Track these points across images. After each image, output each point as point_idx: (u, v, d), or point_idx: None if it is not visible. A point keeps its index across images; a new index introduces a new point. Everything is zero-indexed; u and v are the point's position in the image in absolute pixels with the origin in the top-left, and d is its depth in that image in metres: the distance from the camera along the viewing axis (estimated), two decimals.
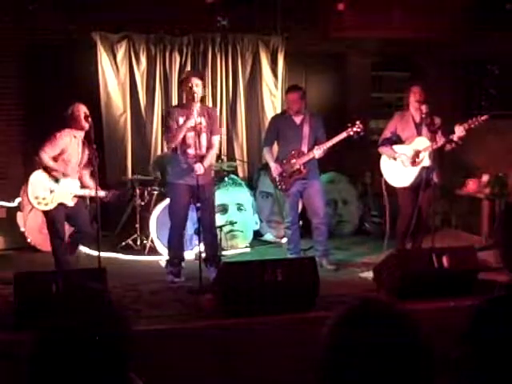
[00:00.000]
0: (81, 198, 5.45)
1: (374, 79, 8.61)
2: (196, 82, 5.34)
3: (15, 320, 4.05)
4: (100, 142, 6.81)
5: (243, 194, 7.13)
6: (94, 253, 5.81)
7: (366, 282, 5.25)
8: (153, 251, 6.55)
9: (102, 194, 5.32)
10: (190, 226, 6.05)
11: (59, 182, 5.26)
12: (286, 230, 6.25)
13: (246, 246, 6.99)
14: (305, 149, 5.91)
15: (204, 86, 5.65)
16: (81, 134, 5.33)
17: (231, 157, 7.79)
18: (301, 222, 6.40)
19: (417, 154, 5.65)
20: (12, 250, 6.81)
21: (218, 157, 7.72)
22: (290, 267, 4.61)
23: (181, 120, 5.37)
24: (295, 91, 6.00)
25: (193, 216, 5.66)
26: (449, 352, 1.52)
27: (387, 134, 5.87)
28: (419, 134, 5.68)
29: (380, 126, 7.94)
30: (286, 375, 3.87)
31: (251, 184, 7.56)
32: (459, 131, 5.44)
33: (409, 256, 5.13)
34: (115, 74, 7.46)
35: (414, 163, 5.67)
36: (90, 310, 1.50)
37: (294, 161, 5.92)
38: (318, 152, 5.83)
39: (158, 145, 7.56)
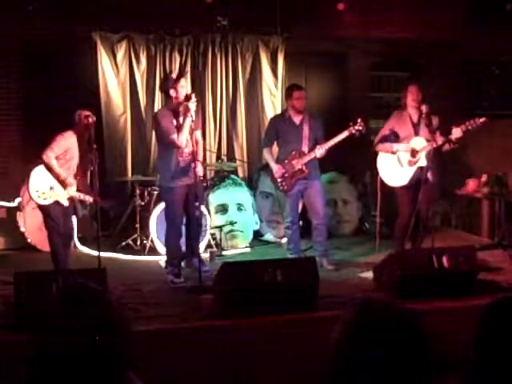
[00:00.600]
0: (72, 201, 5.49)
1: (374, 79, 8.61)
2: (183, 84, 5.47)
3: (15, 320, 4.04)
4: (100, 141, 6.81)
5: (243, 194, 7.13)
6: (94, 253, 5.82)
7: (366, 282, 5.25)
8: (153, 251, 6.55)
9: (90, 199, 5.44)
10: None
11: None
12: (286, 230, 6.25)
13: (246, 246, 6.99)
14: (305, 149, 5.91)
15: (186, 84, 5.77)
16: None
17: (231, 157, 7.79)
18: (301, 222, 6.40)
19: (413, 153, 5.65)
20: (12, 250, 6.81)
21: (218, 157, 7.74)
22: (290, 267, 4.61)
23: (174, 121, 5.42)
24: (301, 89, 6.02)
25: None
26: (451, 352, 1.53)
27: (384, 132, 5.86)
28: (416, 133, 5.66)
29: (380, 126, 7.93)
30: (286, 375, 3.87)
31: (251, 184, 7.56)
32: (456, 133, 5.43)
33: (409, 256, 5.13)
34: (115, 74, 7.46)
35: (410, 163, 5.66)
36: (89, 311, 1.50)
37: (295, 161, 5.92)
38: (319, 151, 5.83)
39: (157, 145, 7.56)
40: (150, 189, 6.94)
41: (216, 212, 6.95)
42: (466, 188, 7.56)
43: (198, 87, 7.52)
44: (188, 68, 7.56)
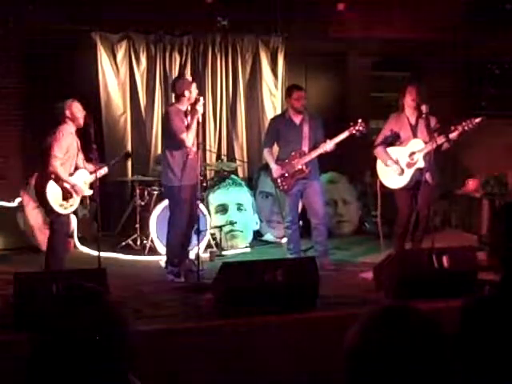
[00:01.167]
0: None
1: (374, 79, 8.61)
2: (195, 86, 5.58)
3: (15, 320, 4.04)
4: (100, 141, 6.81)
5: (243, 194, 7.13)
6: (94, 253, 5.82)
7: (366, 282, 5.25)
8: (153, 251, 6.55)
9: (104, 171, 5.54)
10: None
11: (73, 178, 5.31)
12: (286, 230, 6.26)
13: (246, 246, 6.99)
14: (305, 149, 5.92)
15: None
16: (72, 130, 5.35)
17: (231, 157, 7.79)
18: (301, 222, 6.40)
19: (411, 155, 5.65)
20: (12, 250, 6.81)
21: (218, 157, 7.74)
22: (290, 267, 4.61)
23: (185, 121, 5.49)
24: (301, 89, 6.04)
25: None
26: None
27: (383, 136, 5.86)
28: (415, 135, 5.68)
29: (380, 126, 7.92)
30: (286, 375, 3.87)
31: (251, 184, 7.56)
32: (453, 134, 5.45)
33: (408, 256, 5.13)
34: (115, 73, 7.46)
35: (409, 165, 5.68)
36: (89, 311, 1.50)
37: (295, 161, 5.92)
38: (329, 145, 5.81)
39: (158, 145, 7.55)
40: (149, 189, 6.94)
41: (216, 212, 6.95)
42: (466, 188, 7.55)
43: (197, 87, 7.51)
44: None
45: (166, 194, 5.91)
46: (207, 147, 7.54)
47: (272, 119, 6.47)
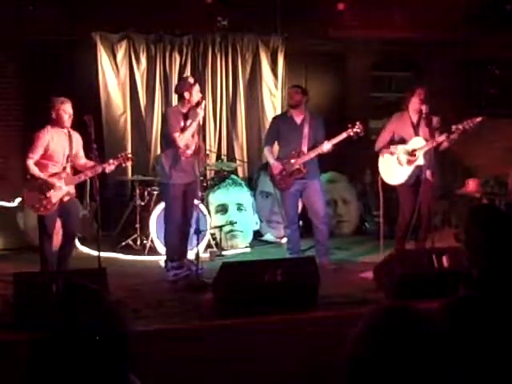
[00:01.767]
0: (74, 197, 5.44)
1: (374, 79, 8.61)
2: (197, 89, 5.55)
3: (15, 320, 4.04)
4: (100, 141, 6.81)
5: (243, 194, 7.13)
6: (94, 253, 5.82)
7: (366, 282, 5.25)
8: (153, 251, 6.55)
9: (100, 168, 5.31)
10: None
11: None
12: (286, 230, 6.28)
13: (246, 246, 6.99)
14: (305, 149, 5.92)
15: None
16: (65, 131, 5.31)
17: (231, 157, 7.79)
18: (301, 222, 6.40)
19: (412, 152, 5.70)
20: (12, 250, 6.80)
21: (218, 157, 7.74)
22: (290, 267, 4.61)
23: (182, 122, 5.50)
24: (296, 87, 6.13)
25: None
26: None
27: (385, 135, 5.89)
28: (416, 133, 5.73)
29: (380, 126, 7.92)
30: (286, 375, 3.87)
31: (251, 184, 7.56)
32: (453, 133, 5.49)
33: (408, 256, 5.13)
34: (115, 73, 7.46)
35: (409, 162, 5.71)
36: (89, 311, 1.50)
37: (293, 160, 5.93)
38: (326, 146, 5.82)
39: (157, 145, 7.55)
40: (150, 189, 6.94)
41: (216, 212, 6.95)
42: (465, 188, 7.55)
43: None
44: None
45: (159, 190, 6.26)
46: (207, 147, 7.54)
47: (273, 118, 6.52)
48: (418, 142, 5.68)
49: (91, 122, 5.23)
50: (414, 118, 5.76)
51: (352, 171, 7.93)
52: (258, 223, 7.32)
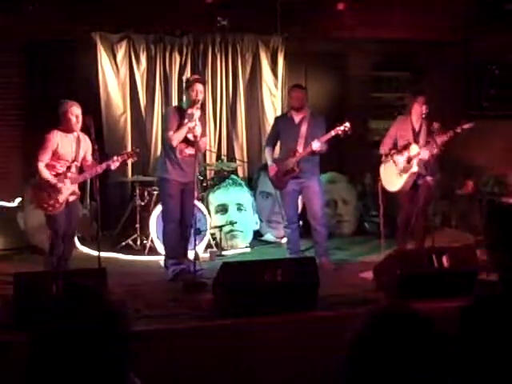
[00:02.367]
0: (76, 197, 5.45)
1: (374, 79, 8.61)
2: (200, 89, 5.51)
3: (15, 320, 4.04)
4: (100, 141, 6.80)
5: (243, 194, 7.13)
6: (94, 253, 5.82)
7: (366, 282, 5.25)
8: (153, 251, 6.55)
9: (105, 165, 5.33)
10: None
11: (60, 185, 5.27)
12: (285, 229, 6.28)
13: (246, 246, 6.99)
14: (300, 148, 5.92)
15: (204, 91, 5.80)
16: (74, 134, 5.32)
17: (231, 157, 7.79)
18: (301, 222, 6.40)
19: (409, 160, 5.77)
20: (12, 250, 6.80)
21: (218, 157, 7.75)
22: (290, 267, 4.61)
23: (179, 120, 5.50)
24: (300, 88, 6.12)
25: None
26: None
27: (389, 142, 5.95)
28: (416, 141, 5.77)
29: (380, 126, 7.93)
30: (286, 375, 3.87)
31: (251, 184, 7.56)
32: (442, 139, 5.57)
33: (408, 256, 5.13)
34: (115, 73, 7.47)
35: (405, 169, 5.81)
36: (89, 311, 1.50)
37: (288, 160, 5.95)
38: (316, 144, 5.80)
39: (157, 145, 7.55)
40: (150, 189, 6.94)
41: (216, 212, 6.95)
42: (466, 188, 7.56)
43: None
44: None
45: (158, 188, 6.16)
46: (207, 147, 7.54)
47: (275, 118, 6.56)
48: (414, 150, 5.74)
49: (91, 122, 5.24)
50: (416, 125, 5.82)
51: (352, 172, 7.93)
52: (258, 223, 7.32)
